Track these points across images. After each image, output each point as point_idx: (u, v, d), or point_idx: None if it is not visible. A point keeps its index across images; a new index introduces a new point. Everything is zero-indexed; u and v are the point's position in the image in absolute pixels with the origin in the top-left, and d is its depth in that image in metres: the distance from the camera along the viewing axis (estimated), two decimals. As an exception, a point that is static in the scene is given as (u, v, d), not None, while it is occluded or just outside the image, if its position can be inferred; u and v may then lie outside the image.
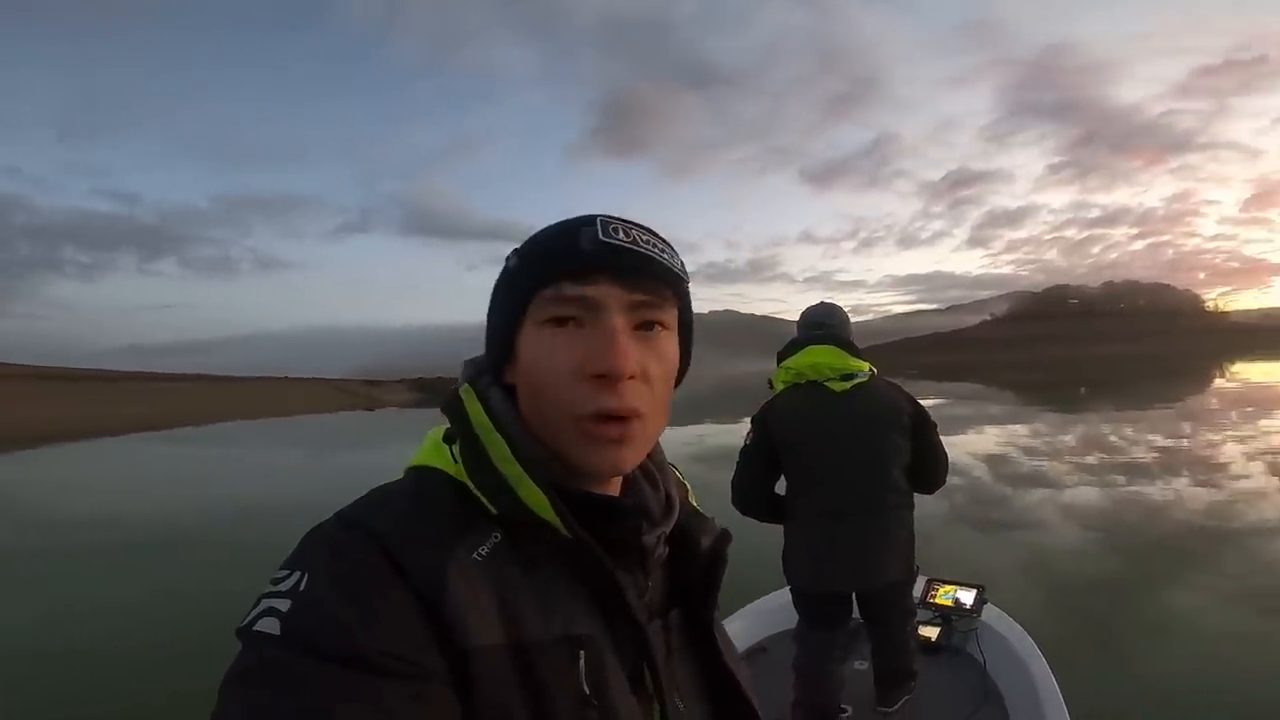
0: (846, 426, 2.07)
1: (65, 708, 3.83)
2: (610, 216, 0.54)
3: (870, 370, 2.15)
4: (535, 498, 0.50)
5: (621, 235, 0.53)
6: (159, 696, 3.89)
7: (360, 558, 0.46)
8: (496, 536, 0.51)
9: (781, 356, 2.23)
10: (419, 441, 0.58)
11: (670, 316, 0.56)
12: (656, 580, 0.59)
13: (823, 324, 2.20)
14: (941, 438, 2.19)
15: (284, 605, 0.44)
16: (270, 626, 0.44)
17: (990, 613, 2.67)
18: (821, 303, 2.28)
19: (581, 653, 0.50)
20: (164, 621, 5.21)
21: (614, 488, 0.59)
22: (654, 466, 0.64)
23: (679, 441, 13.14)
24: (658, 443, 0.63)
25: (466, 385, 0.57)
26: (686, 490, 0.69)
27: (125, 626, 5.15)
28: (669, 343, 0.56)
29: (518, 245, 0.57)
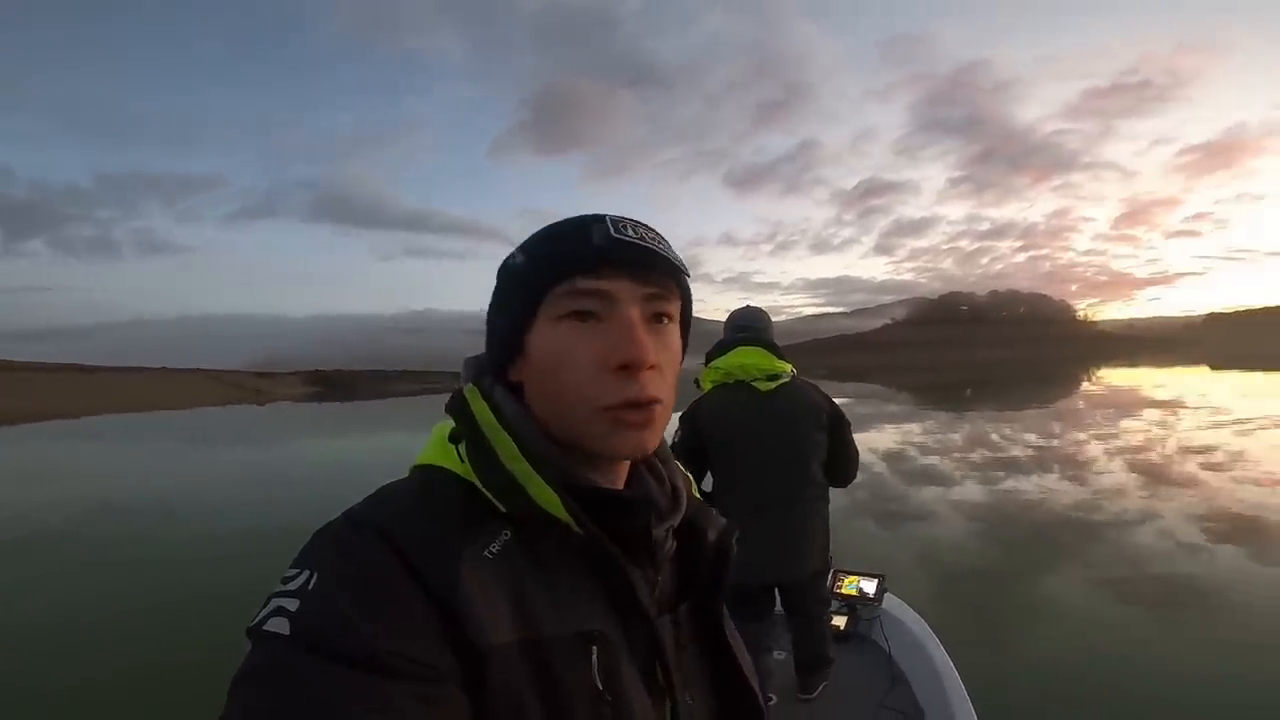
0: (771, 424, 2.16)
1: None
2: (617, 215, 0.55)
3: (792, 371, 2.24)
4: (546, 496, 0.51)
5: (630, 231, 0.54)
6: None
7: (370, 557, 0.46)
8: (506, 534, 0.51)
9: (710, 357, 2.29)
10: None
11: (676, 309, 0.58)
12: (666, 574, 0.60)
13: (749, 326, 2.29)
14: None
15: (293, 605, 0.44)
16: (280, 626, 0.43)
17: (890, 601, 2.83)
18: (748, 306, 2.36)
19: (594, 649, 0.50)
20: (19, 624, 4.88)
21: (618, 483, 0.59)
22: (658, 460, 0.65)
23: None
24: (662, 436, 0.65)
25: (471, 385, 0.57)
26: (691, 483, 0.69)
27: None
28: (676, 334, 0.58)
29: (521, 244, 0.57)
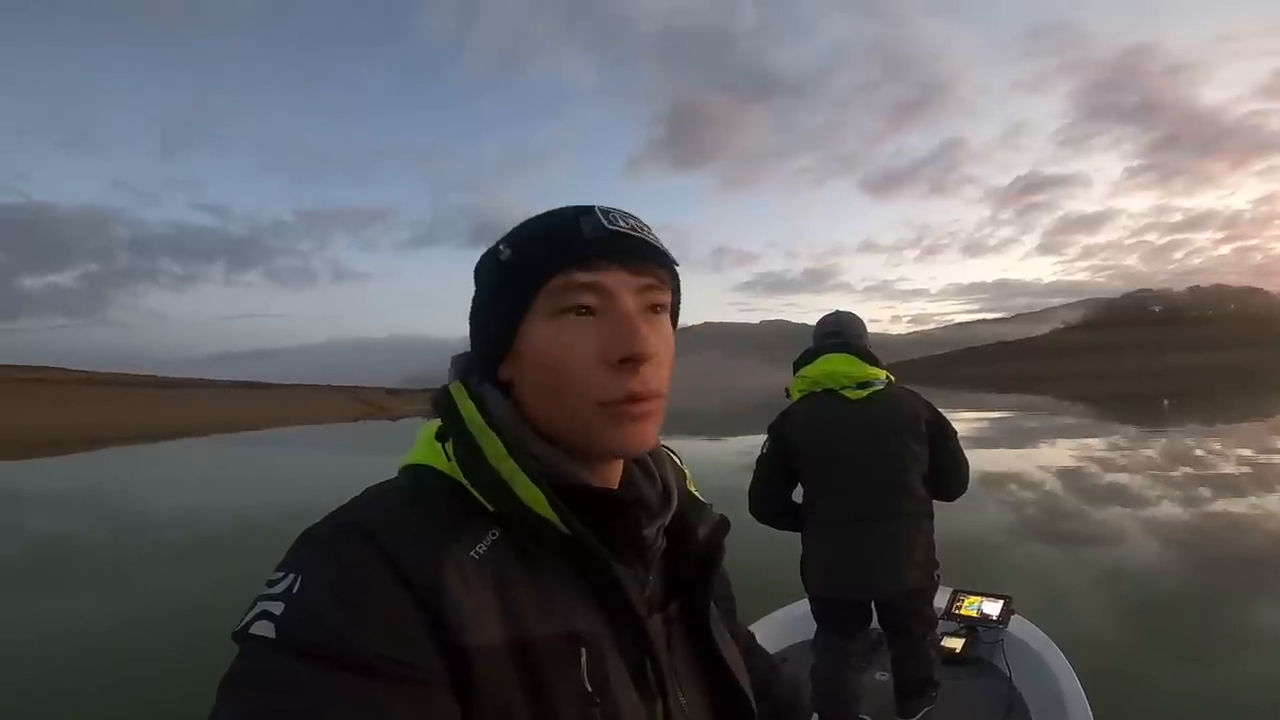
0: (862, 434, 2.06)
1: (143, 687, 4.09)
2: (605, 205, 0.55)
3: (887, 378, 2.13)
4: (532, 495, 0.50)
5: (621, 222, 0.54)
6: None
7: (355, 559, 0.46)
8: (494, 534, 0.50)
9: (798, 365, 2.23)
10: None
11: (668, 299, 0.57)
12: (656, 573, 0.59)
13: (838, 332, 2.20)
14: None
15: (278, 608, 0.44)
16: (265, 629, 0.44)
17: (1017, 624, 2.62)
18: (837, 310, 2.27)
19: (583, 650, 0.50)
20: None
21: (613, 480, 0.58)
22: (649, 456, 0.62)
23: (732, 451, 12.94)
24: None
25: (457, 383, 0.56)
26: (685, 476, 0.67)
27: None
28: (669, 325, 0.58)
29: (504, 236, 0.56)
